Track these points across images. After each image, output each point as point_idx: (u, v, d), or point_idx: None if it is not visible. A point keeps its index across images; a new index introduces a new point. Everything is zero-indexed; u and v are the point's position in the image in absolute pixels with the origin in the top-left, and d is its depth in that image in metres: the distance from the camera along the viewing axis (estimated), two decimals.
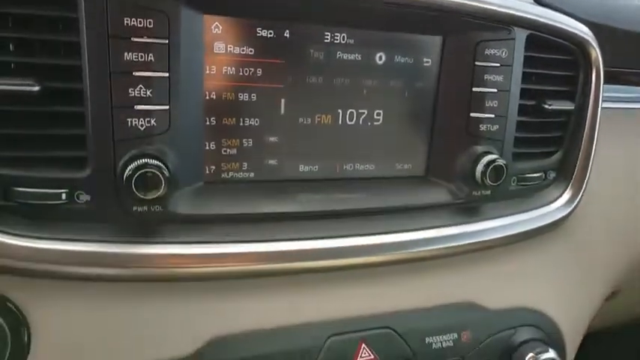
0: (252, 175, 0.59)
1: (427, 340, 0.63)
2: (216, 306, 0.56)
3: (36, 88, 0.47)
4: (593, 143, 0.74)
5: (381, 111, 0.63)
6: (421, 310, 0.64)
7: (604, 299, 1.02)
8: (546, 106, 0.70)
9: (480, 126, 0.65)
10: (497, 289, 0.70)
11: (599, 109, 0.74)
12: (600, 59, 0.72)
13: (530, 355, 0.66)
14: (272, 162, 0.59)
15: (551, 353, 0.66)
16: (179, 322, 0.54)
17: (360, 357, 0.60)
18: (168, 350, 0.54)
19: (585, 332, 0.80)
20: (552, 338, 0.71)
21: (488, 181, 0.65)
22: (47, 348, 0.50)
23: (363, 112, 0.62)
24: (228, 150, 0.57)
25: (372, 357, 0.60)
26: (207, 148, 0.56)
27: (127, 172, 0.49)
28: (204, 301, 0.56)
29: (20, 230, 0.49)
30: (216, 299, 0.56)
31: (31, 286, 0.50)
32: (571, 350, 0.76)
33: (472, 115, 0.64)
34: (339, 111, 0.61)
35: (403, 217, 0.65)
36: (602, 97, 0.78)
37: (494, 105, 0.65)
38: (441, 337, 0.64)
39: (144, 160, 0.49)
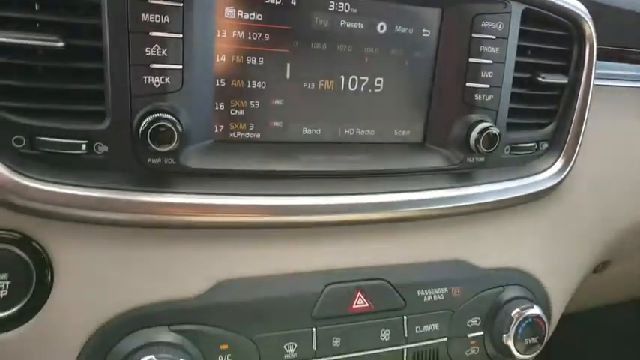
0: (258, 135, 0.63)
1: (419, 292, 0.67)
2: (223, 252, 0.60)
3: (60, 44, 0.51)
4: (584, 116, 0.77)
5: (381, 78, 0.66)
6: (414, 265, 0.68)
7: (592, 269, 1.05)
8: (540, 79, 0.73)
9: (476, 95, 0.68)
10: (487, 249, 0.74)
11: (592, 83, 0.76)
12: (594, 35, 0.75)
13: (516, 310, 0.70)
14: (277, 124, 0.63)
15: (537, 309, 0.70)
16: (188, 266, 0.59)
17: (356, 304, 0.64)
18: (178, 290, 0.58)
19: (571, 297, 0.84)
20: (539, 298, 0.74)
21: (481, 148, 0.68)
22: (68, 284, 0.54)
23: (365, 79, 0.65)
24: (236, 111, 0.61)
25: (367, 305, 0.65)
26: (217, 108, 0.60)
27: (142, 126, 0.53)
28: (211, 247, 0.60)
29: (44, 176, 0.53)
30: (223, 246, 0.60)
31: (54, 227, 0.54)
32: (556, 312, 0.79)
33: (468, 84, 0.67)
34: (342, 77, 0.64)
35: (400, 180, 0.69)
36: (600, 74, 0.81)
37: (490, 76, 0.68)
38: (432, 290, 0.68)
39: (158, 115, 0.53)
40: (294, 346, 0.61)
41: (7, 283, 0.53)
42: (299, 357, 0.61)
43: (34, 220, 0.54)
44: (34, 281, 0.53)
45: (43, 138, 0.53)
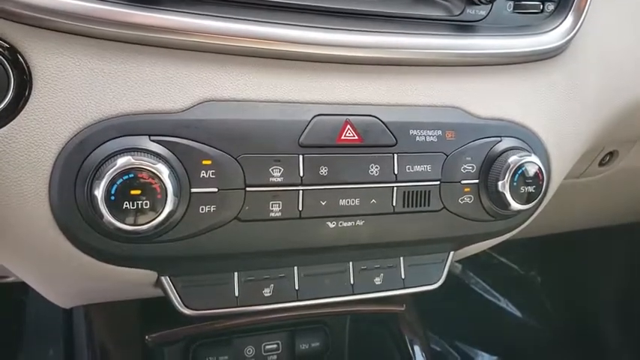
0: None
1: (411, 131, 0.61)
2: (211, 74, 0.55)
3: None
4: None
5: None
6: (407, 107, 0.62)
7: (598, 160, 0.99)
8: None
9: None
10: (485, 100, 0.67)
11: None
12: None
13: (513, 157, 0.63)
14: None
15: (535, 158, 0.64)
16: (174, 81, 0.54)
17: (345, 136, 0.59)
18: (162, 104, 0.54)
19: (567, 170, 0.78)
20: (538, 153, 0.68)
21: None
22: (47, 89, 0.51)
23: None
24: None
25: (356, 138, 0.60)
26: None
27: None
28: (200, 67, 0.55)
29: None
30: (212, 67, 0.55)
31: (35, 33, 0.50)
32: (555, 177, 0.73)
33: None
34: None
35: (399, 25, 0.63)
36: None
37: None
38: (424, 131, 0.61)
39: None
40: (279, 170, 0.56)
41: None
42: (284, 182, 0.57)
43: (15, 26, 0.50)
44: (13, 85, 0.50)
45: None
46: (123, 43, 0.54)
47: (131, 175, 0.50)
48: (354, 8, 0.63)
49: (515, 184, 0.64)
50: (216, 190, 0.55)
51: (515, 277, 1.74)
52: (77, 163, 0.51)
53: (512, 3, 0.70)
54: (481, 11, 0.67)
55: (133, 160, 0.50)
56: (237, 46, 0.56)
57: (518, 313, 1.70)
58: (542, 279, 1.71)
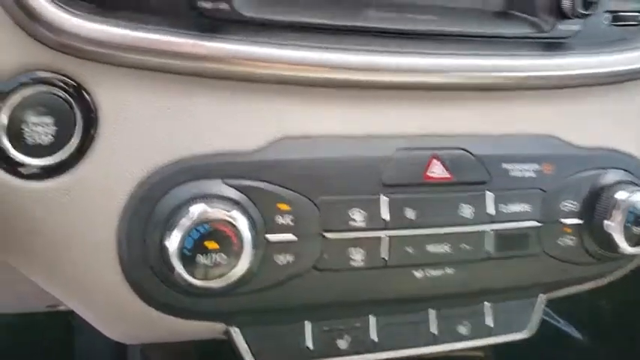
0: None
1: (504, 165, 0.55)
2: (284, 107, 0.51)
3: None
4: None
5: None
6: (498, 137, 0.56)
7: None
8: None
9: None
10: (585, 127, 0.60)
11: None
12: None
13: (622, 193, 0.56)
14: None
15: None
16: (245, 119, 0.50)
17: (431, 172, 0.53)
18: (234, 143, 0.49)
19: None
20: None
21: (577, 9, 0.57)
22: (114, 130, 0.47)
23: None
24: None
25: (445, 174, 0.53)
26: None
27: None
28: (271, 101, 0.50)
29: (92, 15, 0.46)
30: (284, 101, 0.51)
31: (100, 71, 0.47)
32: None
33: None
34: None
35: (480, 45, 0.57)
36: None
37: None
38: (520, 165, 0.55)
39: None
40: (361, 213, 0.51)
41: (53, 128, 0.46)
42: (366, 227, 0.51)
43: (80, 62, 0.47)
44: (80, 127, 0.46)
45: None
46: (192, 77, 0.49)
47: (207, 227, 0.45)
48: (432, 29, 0.57)
49: (627, 224, 0.57)
50: (293, 236, 0.50)
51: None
52: (147, 212, 0.47)
53: (609, 15, 0.63)
54: (574, 26, 0.60)
55: (209, 209, 0.45)
56: (314, 77, 0.51)
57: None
58: None
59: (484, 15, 0.60)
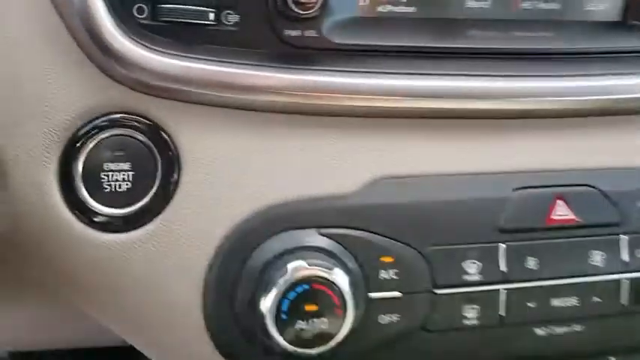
0: (412, 9, 0.48)
1: (638, 204, 0.47)
2: (383, 143, 0.45)
3: None
4: None
5: None
6: (631, 171, 0.48)
7: None
8: None
9: None
10: None
11: None
12: None
13: None
14: None
15: None
16: (340, 158, 0.44)
17: (555, 215, 0.46)
18: (329, 187, 0.44)
19: None
20: None
21: None
22: (198, 176, 0.42)
23: None
24: None
25: (571, 217, 0.46)
26: None
27: None
28: (369, 137, 0.45)
29: (169, 50, 0.42)
30: (383, 136, 0.45)
31: (180, 110, 0.42)
32: None
33: None
34: None
35: (597, 63, 0.49)
36: None
37: None
38: None
39: None
40: (476, 265, 0.44)
41: (131, 174, 0.42)
42: (484, 280, 0.44)
43: (159, 101, 0.42)
44: (160, 173, 0.42)
45: (165, 5, 0.42)
46: (280, 114, 0.44)
47: (305, 286, 0.39)
48: (544, 48, 0.50)
49: None
50: (398, 294, 0.44)
51: None
52: (236, 267, 0.42)
53: None
54: None
55: (307, 266, 0.40)
56: (416, 107, 0.45)
57: None
58: None
59: (601, 28, 0.53)
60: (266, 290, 0.40)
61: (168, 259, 0.43)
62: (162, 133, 0.43)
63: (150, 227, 0.43)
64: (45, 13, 0.41)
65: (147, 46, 0.42)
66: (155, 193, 0.43)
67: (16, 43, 0.41)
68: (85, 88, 0.42)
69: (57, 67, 0.42)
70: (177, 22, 0.43)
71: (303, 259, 0.40)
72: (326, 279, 0.40)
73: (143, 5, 0.42)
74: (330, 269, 0.40)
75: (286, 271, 0.40)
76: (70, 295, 0.51)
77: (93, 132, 0.42)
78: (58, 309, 0.60)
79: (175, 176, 0.43)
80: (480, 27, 0.50)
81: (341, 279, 0.40)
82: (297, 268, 0.40)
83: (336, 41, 0.45)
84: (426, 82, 0.46)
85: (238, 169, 0.43)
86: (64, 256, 0.46)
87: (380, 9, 0.48)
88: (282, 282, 0.39)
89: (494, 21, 0.50)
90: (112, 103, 0.42)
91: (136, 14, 0.42)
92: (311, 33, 0.45)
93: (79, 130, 0.42)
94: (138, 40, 0.42)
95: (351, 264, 0.42)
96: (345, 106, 0.45)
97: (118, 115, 0.43)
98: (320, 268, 0.40)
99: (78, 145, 0.42)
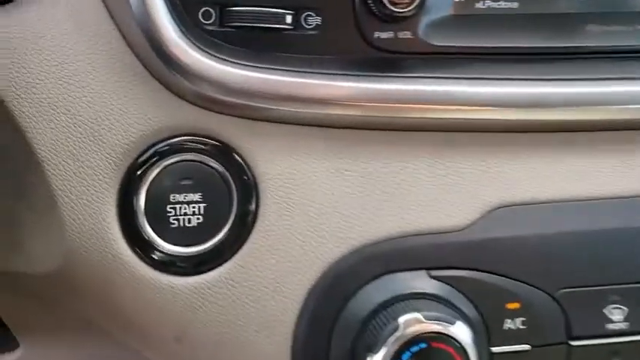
0: (514, 5, 0.42)
1: None
2: (499, 165, 0.38)
3: None
4: None
5: None
6: None
7: None
8: None
9: None
10: None
11: None
12: None
13: None
14: None
15: None
16: (451, 183, 0.37)
17: None
18: (437, 219, 0.37)
19: None
20: None
21: None
22: (281, 207, 0.36)
23: None
24: None
25: None
26: None
27: None
28: (482, 156, 0.38)
29: (240, 61, 0.36)
30: (499, 156, 0.38)
31: (257, 131, 0.36)
32: None
33: None
34: None
35: None
36: None
37: None
38: None
39: None
40: (621, 310, 0.36)
41: (202, 206, 0.36)
42: (631, 328, 0.36)
43: (230, 121, 0.36)
44: (236, 204, 0.36)
45: (235, 8, 0.36)
46: (375, 131, 0.37)
47: (423, 346, 0.32)
48: None
49: None
50: (527, 347, 0.36)
51: None
52: (331, 317, 0.36)
53: None
54: None
55: (423, 320, 0.33)
56: (540, 119, 0.38)
57: None
58: None
59: None
60: (372, 350, 0.33)
61: (248, 308, 0.37)
62: (236, 156, 0.37)
63: (225, 269, 0.37)
64: (97, 20, 0.36)
65: (216, 57, 0.36)
66: (230, 228, 0.36)
67: (66, 59, 0.37)
68: (145, 107, 0.36)
69: (113, 84, 0.36)
70: (249, 27, 0.37)
71: (416, 310, 0.33)
72: (446, 335, 0.33)
73: (210, 9, 0.36)
74: (452, 323, 0.33)
75: (397, 327, 0.33)
76: (130, 341, 0.46)
77: (156, 158, 0.36)
78: (117, 350, 0.55)
79: (253, 207, 0.37)
80: (599, 21, 0.42)
81: (463, 334, 0.33)
82: (411, 322, 0.33)
83: (434, 43, 0.39)
84: (546, 88, 0.38)
85: (328, 198, 0.37)
86: (123, 300, 0.40)
87: (479, 5, 0.41)
88: (393, 340, 0.32)
89: (617, 13, 0.44)
90: (177, 123, 0.37)
91: (201, 20, 0.36)
92: (405, 35, 0.38)
93: (140, 156, 0.36)
94: (206, 49, 0.36)
95: (470, 312, 0.35)
96: (451, 120, 0.38)
97: (185, 138, 0.37)
98: (439, 321, 0.33)
99: (139, 173, 0.36)
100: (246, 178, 0.37)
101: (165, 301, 0.38)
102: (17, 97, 0.37)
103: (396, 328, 0.33)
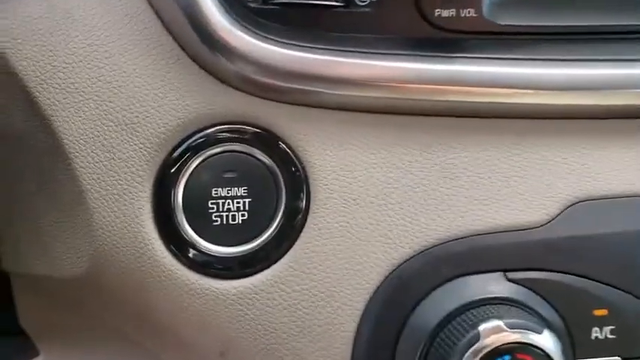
0: None
1: None
2: (577, 155, 0.34)
3: None
4: None
5: None
6: None
7: None
8: None
9: None
10: None
11: None
12: None
13: None
14: None
15: None
16: (528, 175, 0.34)
17: None
18: (513, 216, 0.33)
19: None
20: None
21: None
22: (336, 203, 0.33)
23: None
24: None
25: None
26: None
27: None
28: (557, 146, 0.34)
29: (285, 40, 0.33)
30: (576, 146, 0.35)
31: (308, 118, 0.33)
32: None
33: None
34: None
35: None
36: None
37: None
38: None
39: None
40: None
41: (247, 201, 0.32)
42: None
43: (277, 106, 0.33)
44: (284, 198, 0.33)
45: None
46: (436, 117, 0.34)
47: (507, 358, 0.28)
48: None
49: None
50: (618, 359, 0.33)
51: None
52: (395, 326, 0.32)
53: None
54: None
55: (506, 328, 0.29)
56: (618, 104, 0.34)
57: None
58: None
59: None
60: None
61: (300, 316, 0.33)
62: (284, 146, 0.34)
63: (273, 272, 0.33)
64: None
65: (263, 36, 0.33)
66: (279, 226, 0.33)
67: (95, 40, 0.34)
68: (184, 92, 0.33)
69: (147, 67, 0.33)
70: (296, 4, 0.35)
71: (497, 317, 0.29)
72: (532, 345, 0.29)
73: None
74: (539, 332, 0.29)
75: (477, 336, 0.29)
76: (163, 353, 0.42)
77: (195, 149, 0.33)
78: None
79: (303, 202, 0.33)
80: None
81: (551, 344, 0.29)
82: (492, 330, 0.29)
83: (500, 22, 0.35)
84: (627, 69, 0.35)
85: (388, 192, 0.33)
86: (158, 306, 0.36)
87: None
88: (471, 352, 0.28)
89: None
90: (219, 111, 0.33)
91: None
92: (469, 12, 0.35)
93: (177, 146, 0.33)
94: (251, 28, 0.33)
95: (555, 320, 0.32)
96: (522, 105, 0.35)
97: (227, 127, 0.34)
98: (524, 330, 0.29)
99: (177, 165, 0.33)
100: (294, 169, 0.34)
101: (207, 307, 0.35)
102: (42, 82, 0.34)
103: (474, 339, 0.29)
